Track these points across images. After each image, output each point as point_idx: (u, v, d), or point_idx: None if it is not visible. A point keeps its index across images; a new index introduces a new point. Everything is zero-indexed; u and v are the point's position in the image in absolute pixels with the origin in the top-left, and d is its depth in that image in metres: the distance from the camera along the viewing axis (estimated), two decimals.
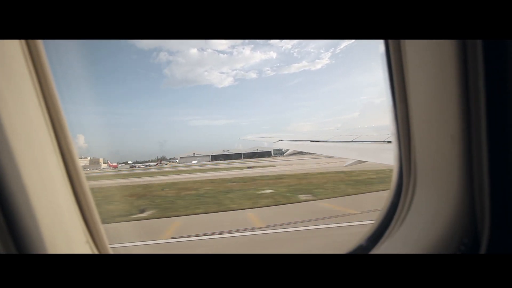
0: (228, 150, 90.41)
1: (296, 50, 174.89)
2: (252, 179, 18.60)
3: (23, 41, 0.71)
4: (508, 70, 0.59)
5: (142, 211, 9.94)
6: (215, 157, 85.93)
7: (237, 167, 35.14)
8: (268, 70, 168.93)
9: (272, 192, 12.74)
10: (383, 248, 0.89)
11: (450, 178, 0.71)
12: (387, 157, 3.58)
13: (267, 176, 19.94)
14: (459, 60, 0.64)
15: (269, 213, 8.96)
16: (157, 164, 71.05)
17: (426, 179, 0.78)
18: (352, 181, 14.24)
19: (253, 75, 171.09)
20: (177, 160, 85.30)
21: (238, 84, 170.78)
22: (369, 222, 4.78)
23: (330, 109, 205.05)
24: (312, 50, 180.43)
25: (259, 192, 12.84)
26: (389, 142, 4.09)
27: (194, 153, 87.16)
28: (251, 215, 8.66)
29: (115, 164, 58.24)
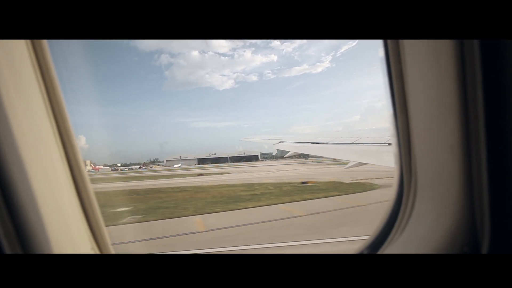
0: (215, 154, 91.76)
1: (297, 53, 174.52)
2: (172, 189, 19.44)
3: (28, 41, 0.73)
4: (507, 71, 0.59)
5: None
6: (201, 161, 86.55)
7: (190, 174, 35.62)
8: (269, 73, 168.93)
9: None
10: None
11: (450, 186, 0.71)
12: (388, 160, 3.48)
13: (191, 187, 20.62)
14: (458, 63, 0.65)
15: None
16: (140, 167, 72.36)
17: (427, 188, 0.79)
18: None
19: (254, 78, 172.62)
20: (163, 163, 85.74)
21: (239, 86, 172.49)
22: None
23: (331, 112, 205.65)
24: (313, 53, 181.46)
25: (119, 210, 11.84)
26: (389, 144, 4.06)
27: (180, 157, 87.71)
28: None
29: (98, 167, 59.75)
